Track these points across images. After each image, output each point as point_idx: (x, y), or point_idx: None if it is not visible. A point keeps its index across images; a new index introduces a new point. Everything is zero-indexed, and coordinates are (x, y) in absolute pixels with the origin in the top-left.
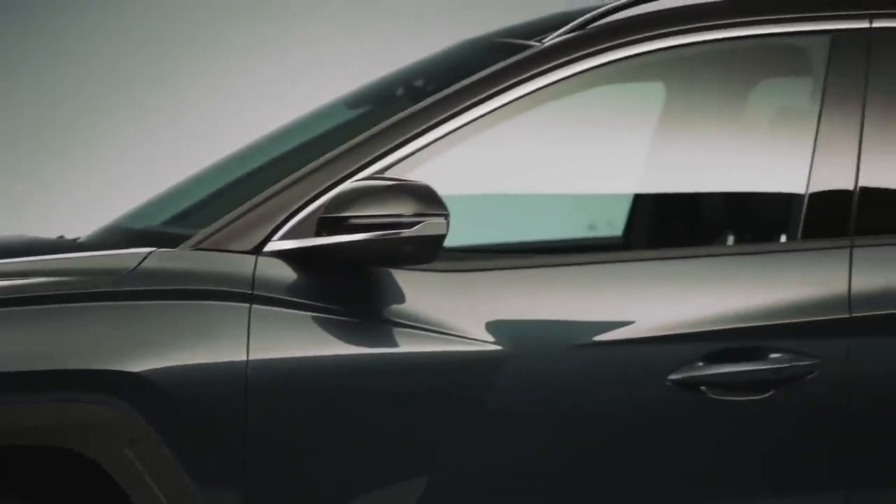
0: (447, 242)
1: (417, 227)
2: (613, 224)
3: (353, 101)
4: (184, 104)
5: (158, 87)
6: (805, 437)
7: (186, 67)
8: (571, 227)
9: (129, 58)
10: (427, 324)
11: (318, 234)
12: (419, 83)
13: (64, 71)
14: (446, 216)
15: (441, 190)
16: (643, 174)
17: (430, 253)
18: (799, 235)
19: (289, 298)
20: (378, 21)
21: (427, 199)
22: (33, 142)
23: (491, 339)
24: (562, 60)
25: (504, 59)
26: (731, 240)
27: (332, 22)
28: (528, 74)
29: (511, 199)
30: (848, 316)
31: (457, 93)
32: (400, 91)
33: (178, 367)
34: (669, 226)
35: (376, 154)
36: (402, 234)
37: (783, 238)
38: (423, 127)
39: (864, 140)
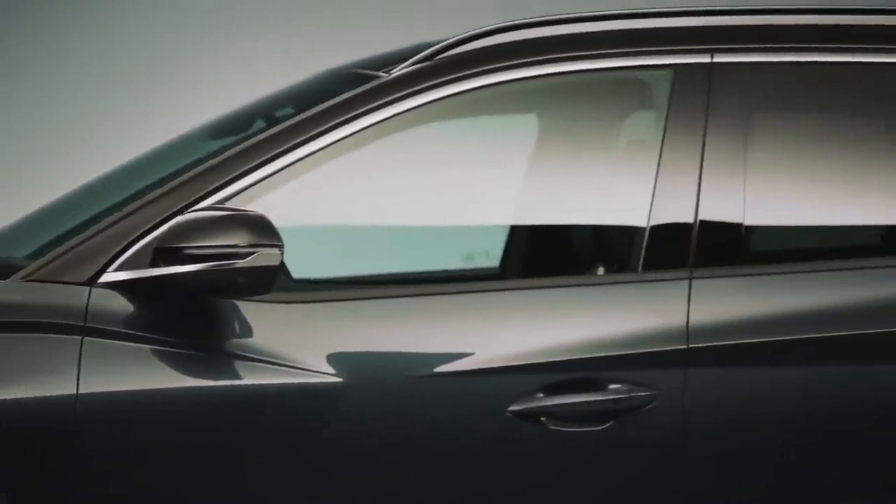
0: (326, 273)
1: (251, 257)
2: (492, 255)
3: (213, 130)
4: (183, 106)
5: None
6: (643, 466)
7: (186, 69)
8: (444, 259)
9: (128, 57)
10: (266, 355)
11: (153, 264)
12: (277, 113)
13: (60, 73)
14: (280, 247)
15: (295, 220)
16: (511, 205)
17: (264, 284)
18: (640, 267)
19: (122, 330)
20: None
21: (261, 229)
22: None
23: (330, 370)
24: (405, 92)
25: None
26: (601, 271)
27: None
28: (369, 106)
29: (374, 231)
30: (685, 347)
31: (299, 124)
32: (258, 121)
33: (7, 401)
34: (539, 257)
35: (215, 185)
36: (236, 265)
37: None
38: (264, 158)
39: (703, 173)
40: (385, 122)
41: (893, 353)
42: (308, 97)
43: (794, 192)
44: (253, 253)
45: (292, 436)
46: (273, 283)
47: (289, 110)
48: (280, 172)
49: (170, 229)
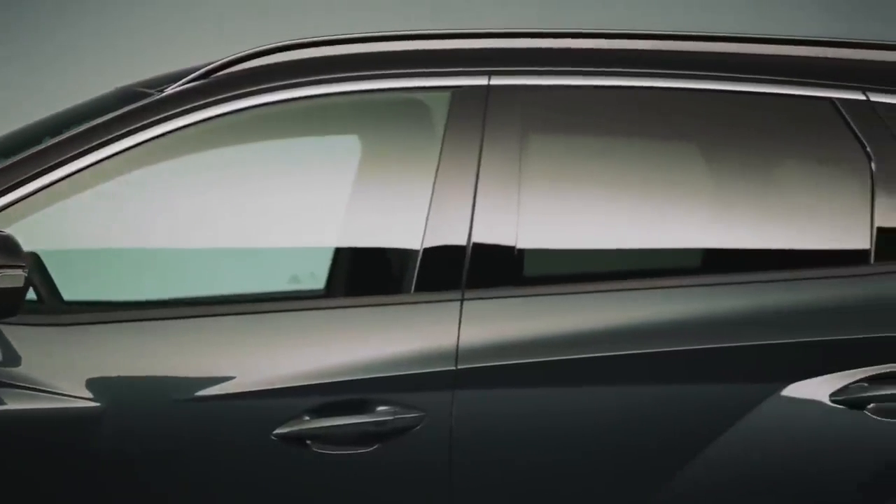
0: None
1: None
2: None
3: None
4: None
5: None
6: (410, 488)
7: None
8: (223, 281)
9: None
10: (23, 380)
11: None
12: (60, 129)
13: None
14: (24, 268)
15: (61, 242)
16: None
17: (8, 306)
18: (413, 288)
19: None
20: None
21: (4, 250)
22: None
23: (89, 395)
24: (175, 111)
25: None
26: (378, 292)
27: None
28: (134, 126)
29: (139, 252)
30: (454, 368)
31: (65, 141)
32: (44, 137)
33: None
34: (355, 277)
35: None
36: None
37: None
38: (26, 175)
39: (478, 195)
40: (153, 140)
41: (656, 373)
42: (86, 115)
43: (568, 215)
44: None
45: (52, 463)
46: (19, 304)
47: (65, 129)
48: (42, 191)
49: None
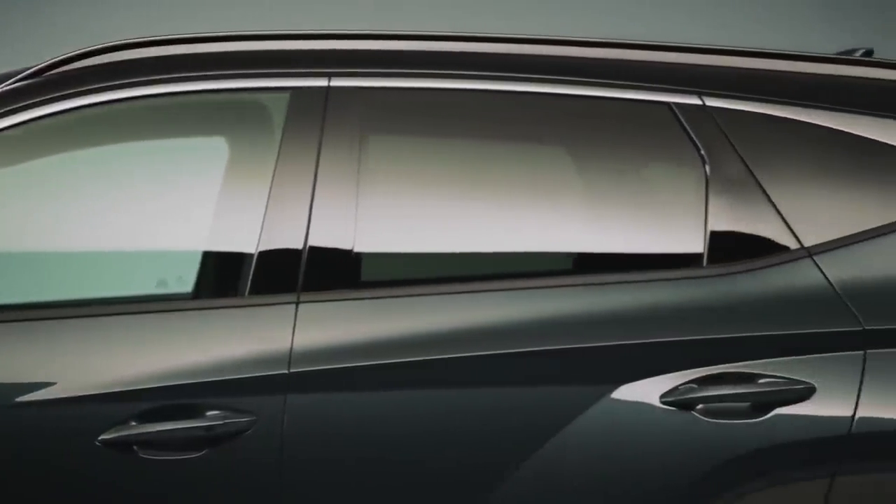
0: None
1: None
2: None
3: None
4: None
5: None
6: (240, 494)
7: None
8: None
9: None
10: None
11: None
12: None
13: None
14: None
15: None
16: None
17: None
18: (247, 291)
19: None
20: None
21: None
22: None
23: None
24: (5, 109)
25: None
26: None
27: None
28: None
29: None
30: (287, 372)
31: None
32: None
33: None
34: (196, 281)
35: None
36: None
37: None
38: None
39: (315, 197)
40: None
41: (489, 375)
42: None
43: (406, 218)
44: None
45: None
46: None
47: None
48: None
49: None
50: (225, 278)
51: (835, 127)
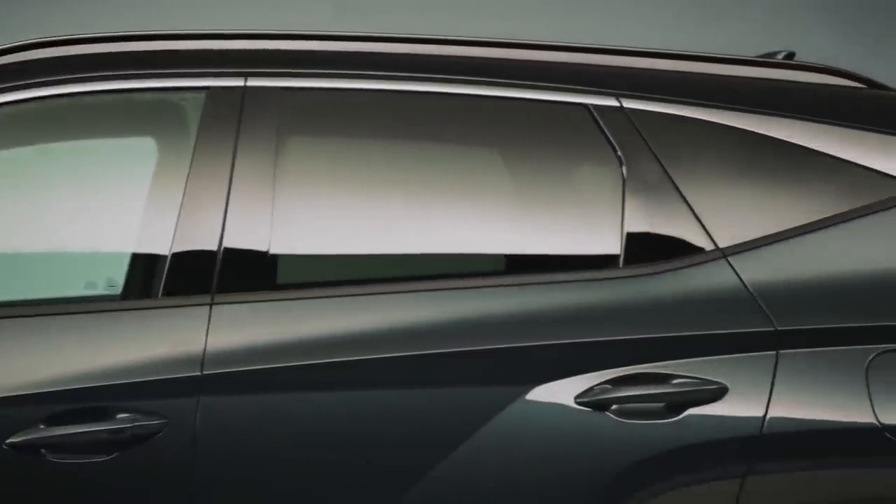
0: None
1: None
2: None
3: None
4: None
5: None
6: (151, 497)
7: None
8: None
9: None
10: None
11: None
12: None
13: None
14: None
15: None
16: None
17: None
18: (160, 293)
19: None
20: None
21: None
22: None
23: None
24: None
25: None
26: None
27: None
28: None
29: None
30: (199, 374)
31: None
32: None
33: None
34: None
35: None
36: None
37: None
38: None
39: (231, 198)
40: None
41: (405, 376)
42: None
43: (322, 219)
44: None
45: None
46: None
47: None
48: None
49: None
50: (141, 280)
51: (751, 129)
